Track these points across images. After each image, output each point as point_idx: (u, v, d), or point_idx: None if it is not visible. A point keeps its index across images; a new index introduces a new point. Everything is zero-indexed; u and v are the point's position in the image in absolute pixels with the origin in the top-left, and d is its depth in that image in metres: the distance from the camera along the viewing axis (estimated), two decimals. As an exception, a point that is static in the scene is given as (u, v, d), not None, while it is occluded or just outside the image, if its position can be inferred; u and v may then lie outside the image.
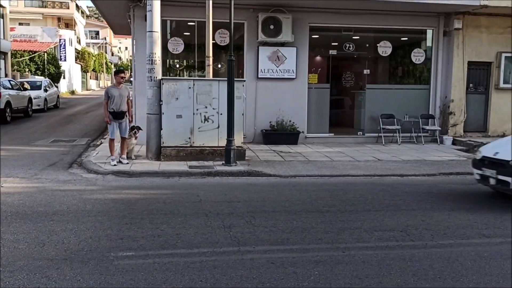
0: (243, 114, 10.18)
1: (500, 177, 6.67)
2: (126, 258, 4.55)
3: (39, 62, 34.31)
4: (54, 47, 38.04)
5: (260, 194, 7.40)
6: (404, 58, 14.89)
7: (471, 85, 14.07)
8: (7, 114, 17.63)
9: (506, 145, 7.02)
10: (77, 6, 53.50)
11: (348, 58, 14.34)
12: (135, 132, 9.97)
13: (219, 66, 14.15)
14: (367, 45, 14.04)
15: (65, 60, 39.15)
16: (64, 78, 39.45)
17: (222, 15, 12.38)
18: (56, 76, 35.28)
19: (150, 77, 9.88)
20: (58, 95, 26.68)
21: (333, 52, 13.75)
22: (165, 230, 5.43)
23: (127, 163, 9.50)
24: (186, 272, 4.19)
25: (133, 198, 7.06)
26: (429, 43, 14.05)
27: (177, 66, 14.07)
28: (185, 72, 14.18)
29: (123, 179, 8.50)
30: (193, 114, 9.94)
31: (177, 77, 11.62)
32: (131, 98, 9.88)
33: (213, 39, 12.57)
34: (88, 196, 7.15)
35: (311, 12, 13.09)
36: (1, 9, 27.30)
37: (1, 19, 27.39)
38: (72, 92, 41.76)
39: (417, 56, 14.05)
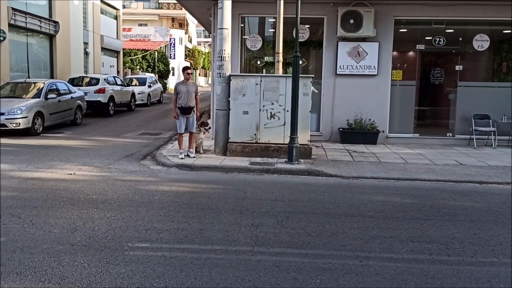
0: (310, 111, 9.91)
1: None
2: (139, 249, 4.65)
3: (150, 60, 36.69)
4: (165, 45, 40.43)
5: (309, 195, 7.15)
6: (508, 53, 13.45)
7: None
8: (110, 108, 19.12)
9: None
10: (189, 6, 56.32)
11: (437, 53, 13.32)
12: (206, 127, 10.22)
13: (300, 62, 13.93)
14: (460, 39, 12.91)
15: (174, 58, 41.43)
16: (173, 75, 41.77)
17: (300, 10, 12.19)
18: (165, 73, 37.50)
19: (219, 73, 10.04)
20: (161, 91, 28.28)
21: (420, 47, 12.85)
22: (192, 224, 5.47)
23: (194, 156, 9.76)
24: (186, 268, 4.17)
25: (181, 191, 7.23)
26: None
27: (258, 62, 14.13)
28: (266, 69, 14.22)
29: (183, 172, 8.75)
30: (259, 110, 9.91)
31: (245, 74, 11.65)
32: (199, 94, 10.11)
33: (292, 34, 12.42)
34: (142, 187, 7.46)
35: (397, 5, 12.37)
36: (115, 11, 29.66)
37: (115, 21, 29.77)
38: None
39: (520, 51, 12.60)
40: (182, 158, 9.56)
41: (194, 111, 9.78)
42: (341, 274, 4.13)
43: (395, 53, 12.87)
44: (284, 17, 11.46)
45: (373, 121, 12.45)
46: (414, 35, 13.03)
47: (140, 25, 47.82)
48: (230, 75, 10.01)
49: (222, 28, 9.99)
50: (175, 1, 51.12)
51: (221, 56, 10.00)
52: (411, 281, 4.02)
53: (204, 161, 9.46)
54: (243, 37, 13.30)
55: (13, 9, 17.86)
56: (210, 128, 10.47)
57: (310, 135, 12.49)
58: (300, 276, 4.06)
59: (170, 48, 41.20)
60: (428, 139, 12.77)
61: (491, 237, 5.24)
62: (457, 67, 12.85)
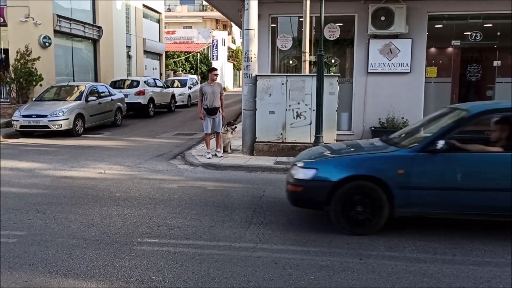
0: (336, 110, 9.86)
1: None
2: (146, 244, 4.85)
3: (193, 62, 37.40)
4: (207, 47, 41.08)
5: (327, 193, 7.13)
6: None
7: None
8: (150, 109, 19.66)
9: None
10: (233, 8, 56.92)
11: (474, 49, 12.86)
12: (232, 127, 10.38)
13: (333, 61, 13.94)
14: (499, 33, 12.40)
15: (216, 59, 41.99)
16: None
17: (330, 9, 12.16)
18: (207, 74, 38.14)
19: (246, 74, 10.18)
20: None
21: (456, 42, 12.48)
22: (203, 221, 5.62)
23: (221, 156, 9.94)
24: (186, 263, 4.31)
25: (201, 190, 7.40)
26: None
27: (290, 62, 14.17)
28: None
29: (208, 171, 8.94)
30: (286, 110, 9.96)
31: (271, 74, 11.71)
32: (224, 95, 10.29)
33: (323, 33, 12.46)
34: (166, 185, 7.70)
35: (431, 0, 12.06)
36: (158, 15, 30.48)
37: (158, 24, 30.58)
38: (224, 89, 44.67)
39: None
40: (209, 158, 9.75)
41: (219, 112, 9.95)
42: (337, 271, 4.15)
43: (429, 49, 12.55)
44: (315, 16, 11.47)
45: (406, 120, 12.19)
46: (449, 30, 12.66)
47: (185, 27, 48.79)
48: (256, 75, 10.12)
49: (248, 29, 10.12)
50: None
51: (248, 57, 10.13)
52: (406, 279, 3.99)
53: (230, 160, 9.62)
54: (277, 37, 13.37)
55: (58, 16, 18.74)
56: (236, 127, 10.61)
57: (342, 135, 12.46)
58: (296, 272, 4.12)
59: (213, 49, 41.81)
60: (465, 137, 12.36)
61: (506, 237, 5.08)
62: (495, 63, 12.38)
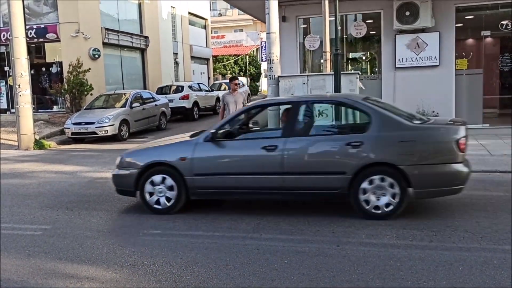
0: (357, 107, 10.03)
1: None
2: (150, 235, 5.41)
3: (241, 64, 38.21)
4: (256, 49, 41.75)
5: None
6: None
7: None
8: (194, 113, 20.51)
9: None
10: (282, 8, 57.28)
11: (506, 39, 12.57)
12: None
13: (364, 58, 14.09)
14: (531, 21, 12.09)
15: (265, 60, 42.56)
16: (265, 77, 42.98)
17: (356, 7, 12.39)
18: (255, 76, 38.80)
19: (269, 75, 10.58)
20: (248, 94, 29.43)
21: (486, 33, 12.28)
22: (210, 215, 6.10)
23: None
24: (178, 250, 4.82)
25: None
26: None
27: (322, 61, 14.42)
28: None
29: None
30: (307, 108, 10.26)
31: (292, 74, 12.00)
32: (247, 104, 10.70)
33: (350, 32, 12.73)
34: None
35: (458, -8, 11.97)
36: (204, 21, 31.49)
37: (204, 30, 31.59)
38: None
39: None
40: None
41: (242, 121, 10.35)
42: (310, 256, 4.50)
43: (458, 41, 12.41)
44: (343, 15, 11.74)
45: (437, 113, 12.13)
46: (479, 21, 12.47)
47: (236, 31, 49.84)
48: (278, 77, 10.51)
49: (270, 33, 10.50)
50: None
51: (270, 59, 10.52)
52: (373, 263, 4.27)
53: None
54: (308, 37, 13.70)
55: (106, 29, 20.01)
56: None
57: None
58: (272, 257, 4.51)
59: (261, 51, 42.36)
60: (499, 129, 12.11)
61: (492, 225, 5.20)
62: (529, 52, 12.07)
